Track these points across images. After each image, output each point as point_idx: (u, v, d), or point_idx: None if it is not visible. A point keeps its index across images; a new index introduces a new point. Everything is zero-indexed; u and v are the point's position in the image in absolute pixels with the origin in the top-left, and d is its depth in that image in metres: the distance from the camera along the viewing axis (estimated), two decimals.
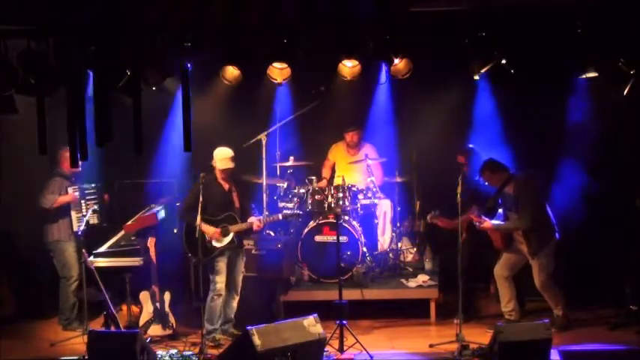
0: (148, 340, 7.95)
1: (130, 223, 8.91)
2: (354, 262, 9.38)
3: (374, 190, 9.90)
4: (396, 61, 8.43)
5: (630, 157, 9.30)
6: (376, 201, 9.94)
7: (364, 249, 9.57)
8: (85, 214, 9.00)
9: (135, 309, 8.93)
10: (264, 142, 9.71)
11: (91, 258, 8.56)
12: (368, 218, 9.96)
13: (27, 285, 9.56)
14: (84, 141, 7.84)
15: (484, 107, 9.80)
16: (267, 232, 9.72)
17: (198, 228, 8.07)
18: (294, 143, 10.35)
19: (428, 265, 9.80)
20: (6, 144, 9.45)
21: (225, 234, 8.35)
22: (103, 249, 8.79)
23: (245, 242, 8.92)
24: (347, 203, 9.65)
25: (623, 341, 8.09)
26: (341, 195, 9.62)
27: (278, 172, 10.10)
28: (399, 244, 10.14)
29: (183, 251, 8.75)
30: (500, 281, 8.62)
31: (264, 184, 9.73)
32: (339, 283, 8.25)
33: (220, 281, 8.37)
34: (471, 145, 9.25)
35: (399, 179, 10.08)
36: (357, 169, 10.16)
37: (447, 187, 8.35)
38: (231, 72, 8.88)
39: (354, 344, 7.98)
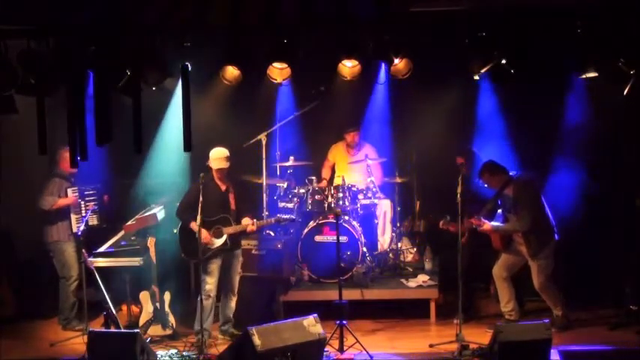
0: (147, 340, 7.95)
1: (129, 223, 8.90)
2: (354, 262, 9.38)
3: (374, 190, 9.90)
4: (396, 61, 8.43)
5: (630, 157, 9.29)
6: (376, 201, 9.94)
7: (364, 249, 9.57)
8: (84, 215, 8.99)
9: (135, 309, 8.93)
10: (264, 142, 9.72)
11: (91, 258, 8.56)
12: (368, 218, 9.95)
13: (27, 285, 9.55)
14: (84, 141, 7.83)
15: (484, 107, 9.80)
16: (267, 232, 9.72)
17: (198, 228, 8.05)
18: (294, 143, 10.35)
19: (428, 265, 9.80)
20: (6, 144, 9.44)
21: (218, 235, 8.33)
22: (102, 249, 8.79)
23: (245, 242, 8.93)
24: (347, 203, 9.65)
25: (623, 341, 8.10)
26: (341, 195, 9.63)
27: (278, 172, 10.09)
28: (399, 244, 10.14)
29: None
30: (499, 281, 8.62)
31: (264, 184, 9.73)
32: (339, 283, 8.25)
33: (210, 282, 8.34)
34: (471, 147, 9.26)
35: (398, 179, 10.07)
36: (356, 170, 10.16)
37: (447, 187, 8.35)
38: (231, 72, 8.88)
39: (354, 344, 7.98)
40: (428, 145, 10.04)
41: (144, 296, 8.63)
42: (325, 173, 10.38)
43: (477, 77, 8.50)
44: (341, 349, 7.98)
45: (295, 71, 8.66)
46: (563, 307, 8.47)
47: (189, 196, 8.38)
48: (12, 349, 8.45)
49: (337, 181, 9.90)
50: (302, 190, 9.80)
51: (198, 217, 8.02)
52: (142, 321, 8.58)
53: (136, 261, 8.75)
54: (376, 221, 10.05)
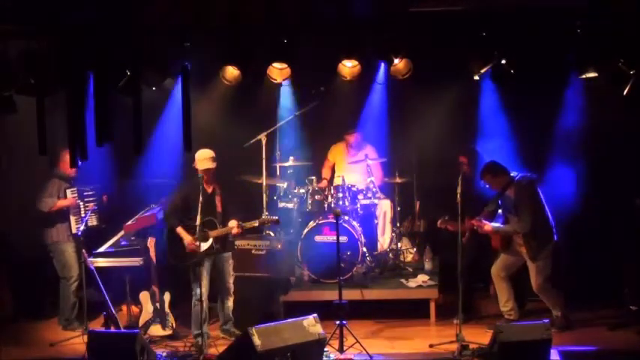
0: (147, 340, 7.94)
1: (129, 223, 8.90)
2: (354, 262, 9.37)
3: (374, 190, 9.90)
4: (396, 61, 8.43)
5: (630, 157, 9.30)
6: (376, 201, 9.94)
7: (364, 249, 9.56)
8: (83, 215, 8.98)
9: (135, 309, 8.93)
10: (264, 142, 9.70)
11: (91, 258, 8.56)
12: (368, 218, 9.95)
13: (27, 285, 9.54)
14: (84, 141, 7.83)
15: (484, 107, 9.80)
16: (267, 232, 9.71)
17: (198, 229, 8.01)
18: (294, 143, 10.35)
19: (428, 265, 9.79)
20: (6, 144, 9.44)
21: (204, 239, 8.20)
22: (102, 249, 8.79)
23: (245, 242, 8.91)
24: (347, 203, 9.65)
25: (623, 341, 8.10)
26: (341, 195, 9.63)
27: (278, 172, 10.09)
28: (399, 244, 10.14)
29: None
30: (497, 281, 8.62)
31: (264, 184, 9.72)
32: (339, 283, 8.24)
33: (200, 287, 8.13)
34: (474, 147, 9.26)
35: (398, 179, 10.07)
36: (356, 170, 10.15)
37: (447, 187, 8.34)
38: (231, 72, 8.88)
39: (354, 344, 7.97)
40: (428, 145, 10.05)
41: (144, 296, 8.63)
42: (325, 173, 10.38)
43: (476, 77, 8.50)
44: (341, 349, 7.98)
45: (295, 71, 8.67)
46: (563, 308, 8.46)
47: (177, 200, 8.31)
48: (12, 349, 8.44)
49: (337, 181, 9.90)
50: (302, 190, 9.79)
51: (198, 218, 7.98)
52: (141, 321, 8.58)
53: (136, 261, 8.75)
54: (376, 221, 10.05)
